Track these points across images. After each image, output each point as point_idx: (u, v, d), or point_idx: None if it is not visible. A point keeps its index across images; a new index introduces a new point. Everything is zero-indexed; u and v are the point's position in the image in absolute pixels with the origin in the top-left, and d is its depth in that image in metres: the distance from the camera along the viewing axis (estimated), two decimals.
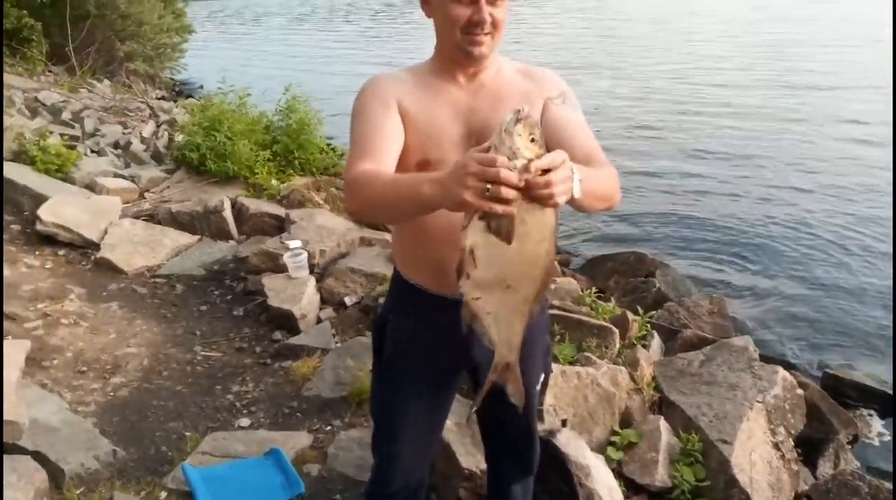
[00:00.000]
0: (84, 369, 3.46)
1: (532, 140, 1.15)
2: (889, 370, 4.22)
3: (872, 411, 3.79)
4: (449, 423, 2.57)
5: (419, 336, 1.72)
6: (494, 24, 1.52)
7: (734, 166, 8.36)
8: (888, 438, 3.67)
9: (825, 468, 3.17)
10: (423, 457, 1.92)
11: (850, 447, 3.38)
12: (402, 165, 1.53)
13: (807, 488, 2.94)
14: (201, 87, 15.84)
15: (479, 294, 1.27)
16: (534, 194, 1.14)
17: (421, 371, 1.76)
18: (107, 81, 12.48)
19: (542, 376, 1.89)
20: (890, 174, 7.39)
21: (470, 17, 1.50)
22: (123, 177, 5.97)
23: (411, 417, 1.81)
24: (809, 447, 3.28)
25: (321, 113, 6.79)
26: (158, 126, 8.44)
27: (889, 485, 2.75)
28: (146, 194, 5.85)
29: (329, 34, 26.79)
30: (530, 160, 1.13)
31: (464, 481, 2.49)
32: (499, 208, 1.13)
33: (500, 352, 1.38)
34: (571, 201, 1.24)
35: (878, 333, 4.66)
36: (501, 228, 1.19)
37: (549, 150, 1.19)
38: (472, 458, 2.54)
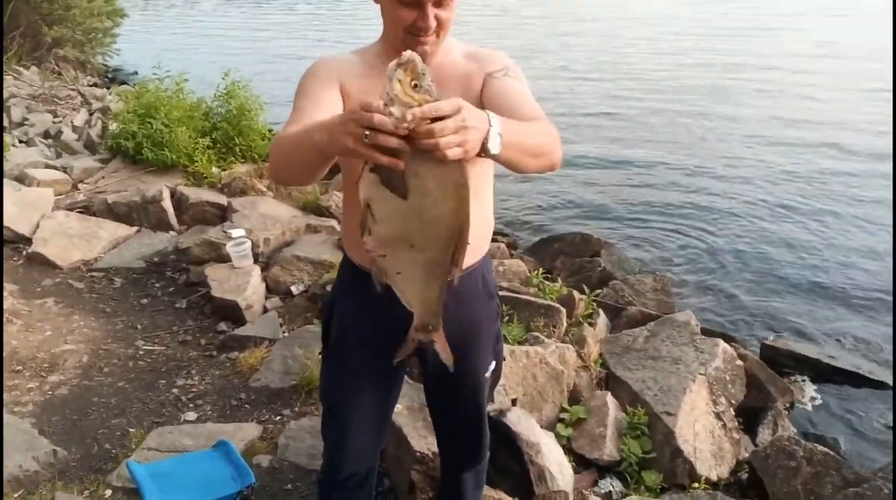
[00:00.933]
0: (19, 368, 3.33)
1: (415, 86, 1.08)
2: (819, 335, 4.45)
3: (806, 378, 3.95)
4: (399, 407, 2.58)
5: (363, 319, 1.70)
6: (440, 26, 1.49)
7: (675, 148, 8.58)
8: (820, 402, 3.85)
9: (764, 435, 3.30)
10: (373, 442, 1.90)
11: (787, 413, 3.53)
12: None
13: (747, 455, 3.05)
14: (135, 73, 15.27)
15: (384, 251, 1.22)
16: (418, 145, 1.06)
17: (367, 355, 1.74)
18: (34, 68, 11.91)
19: (493, 363, 1.87)
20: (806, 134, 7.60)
21: (414, 22, 1.47)
22: (55, 168, 5.74)
23: (359, 401, 1.79)
24: (749, 416, 3.41)
25: (261, 98, 6.66)
26: (91, 114, 8.13)
27: (822, 448, 2.87)
28: (80, 185, 5.64)
29: (264, 18, 26.19)
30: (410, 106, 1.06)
31: (416, 463, 2.49)
32: (382, 159, 1.08)
33: (417, 314, 1.33)
34: (496, 157, 1.19)
35: (810, 302, 4.87)
36: (394, 182, 1.13)
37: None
38: (423, 441, 2.54)
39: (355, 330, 1.74)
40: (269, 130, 6.65)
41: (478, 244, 1.72)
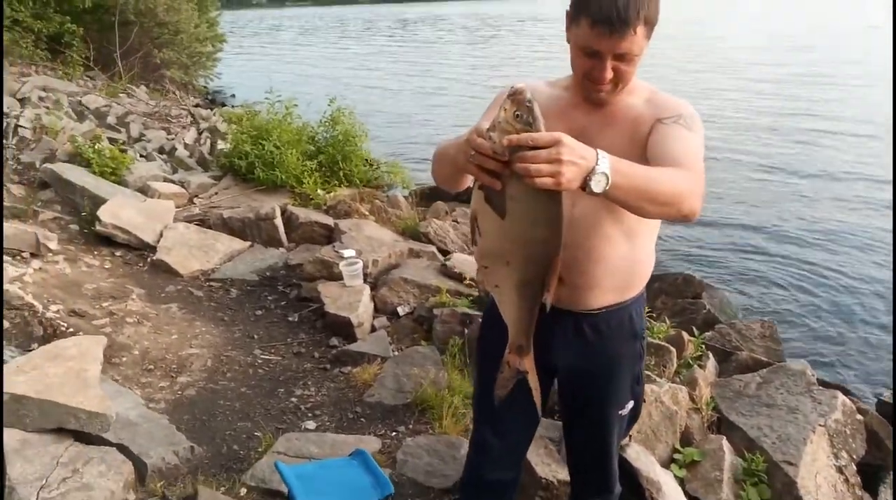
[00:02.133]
0: (151, 367, 3.54)
1: (517, 117, 1.17)
2: None
3: None
4: None
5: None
6: (619, 77, 1.52)
7: (777, 186, 8.42)
8: None
9: (886, 495, 3.17)
10: (517, 451, 2.00)
11: None
12: None
13: None
14: (233, 96, 16.10)
15: (486, 263, 1.33)
16: (514, 169, 1.16)
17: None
18: (143, 87, 12.69)
19: (631, 402, 1.92)
20: None
21: (590, 71, 1.52)
22: (173, 182, 6.09)
23: (507, 408, 1.84)
24: (869, 474, 3.28)
25: (364, 125, 6.92)
26: (200, 133, 8.60)
27: None
28: (195, 200, 5.96)
29: (342, 48, 27.19)
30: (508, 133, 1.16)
31: (540, 490, 2.53)
32: (484, 177, 1.20)
33: (510, 331, 1.43)
34: (605, 195, 1.23)
35: None
36: (494, 201, 1.23)
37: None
38: (547, 468, 2.59)
39: (501, 348, 1.83)
40: (370, 158, 6.91)
41: (621, 285, 1.75)
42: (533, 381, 1.56)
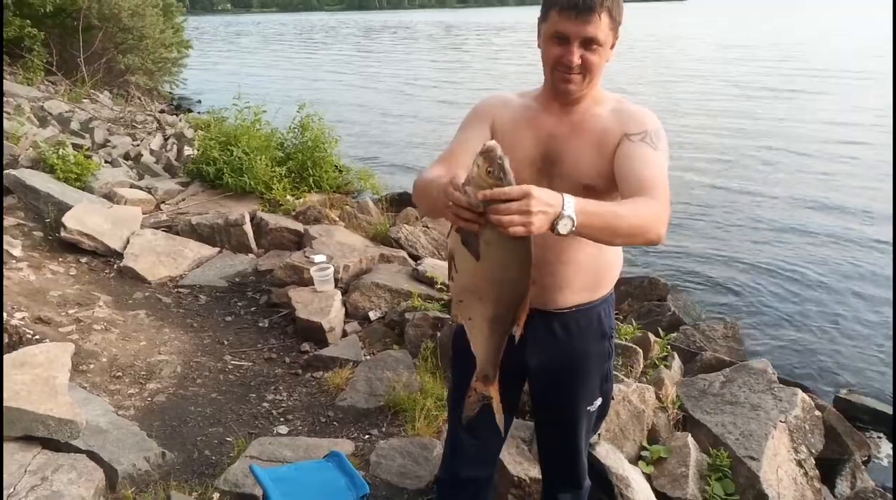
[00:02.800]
0: (119, 374, 3.50)
1: (489, 173, 1.29)
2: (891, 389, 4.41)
3: (882, 434, 3.93)
4: None
5: None
6: (586, 67, 1.62)
7: (739, 190, 8.65)
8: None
9: (843, 487, 3.29)
10: (494, 449, 2.05)
11: (864, 467, 3.51)
12: None
13: None
14: (199, 101, 15.94)
15: (462, 298, 1.45)
16: (488, 219, 1.28)
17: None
18: (107, 93, 12.50)
19: (599, 400, 1.98)
20: None
21: (560, 58, 1.62)
22: (140, 188, 6.03)
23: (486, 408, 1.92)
24: (827, 467, 3.40)
25: (335, 131, 6.93)
26: (166, 139, 8.51)
27: None
28: (162, 206, 5.91)
29: (309, 54, 27.11)
30: (482, 189, 1.28)
31: (513, 487, 2.57)
32: (460, 222, 1.33)
33: (478, 360, 1.55)
34: (578, 232, 1.34)
35: (881, 357, 4.84)
36: (469, 243, 1.35)
37: (608, 188, 1.49)
38: (519, 466, 2.63)
39: None
40: (340, 164, 6.92)
41: (590, 285, 1.83)
42: (496, 406, 1.65)
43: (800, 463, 3.15)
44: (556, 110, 1.73)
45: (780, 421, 3.25)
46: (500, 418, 1.69)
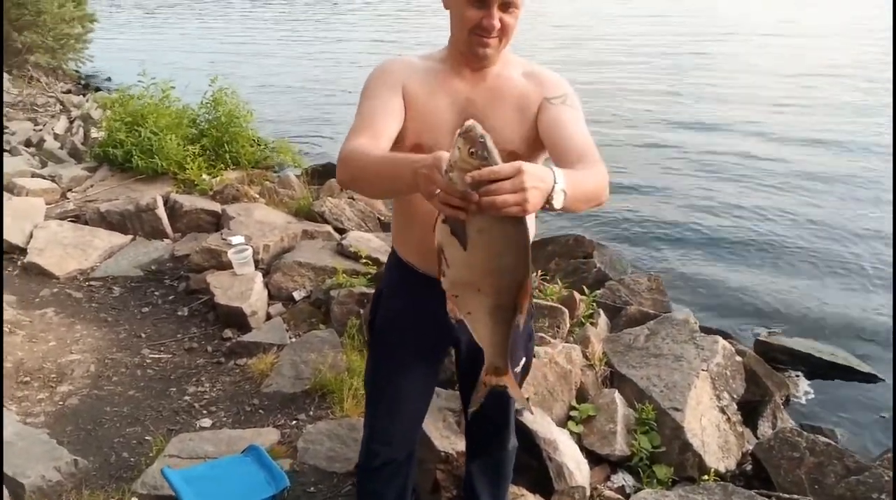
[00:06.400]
0: (27, 379, 3.31)
1: (472, 153, 1.17)
2: (810, 330, 4.60)
3: (800, 372, 4.10)
4: None
5: (408, 312, 1.82)
6: (503, 30, 1.58)
7: (663, 148, 8.78)
8: (813, 395, 3.99)
9: (764, 427, 3.41)
10: (412, 429, 2.00)
11: (784, 406, 3.65)
12: (397, 146, 1.60)
13: (751, 447, 3.15)
14: (109, 79, 15.12)
15: (457, 292, 1.33)
16: (479, 203, 1.16)
17: (409, 345, 1.85)
18: (6, 75, 11.70)
19: (523, 359, 1.96)
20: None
21: (479, 21, 1.56)
22: (42, 177, 5.69)
23: (400, 387, 1.89)
24: (749, 410, 3.51)
25: (249, 105, 6.66)
26: (71, 122, 8.05)
27: (824, 439, 2.99)
28: (69, 194, 5.60)
29: (222, 25, 26.09)
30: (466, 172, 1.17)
31: (440, 462, 2.55)
32: (448, 212, 1.20)
33: (486, 354, 1.43)
34: (564, 205, 1.27)
35: (799, 298, 5.03)
36: (459, 234, 1.23)
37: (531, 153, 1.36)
38: (447, 440, 2.61)
39: (399, 323, 1.85)
40: (258, 138, 6.67)
41: None
42: (516, 393, 1.58)
43: (722, 409, 3.24)
44: (468, 75, 1.67)
45: (702, 370, 3.32)
46: (522, 399, 1.65)
